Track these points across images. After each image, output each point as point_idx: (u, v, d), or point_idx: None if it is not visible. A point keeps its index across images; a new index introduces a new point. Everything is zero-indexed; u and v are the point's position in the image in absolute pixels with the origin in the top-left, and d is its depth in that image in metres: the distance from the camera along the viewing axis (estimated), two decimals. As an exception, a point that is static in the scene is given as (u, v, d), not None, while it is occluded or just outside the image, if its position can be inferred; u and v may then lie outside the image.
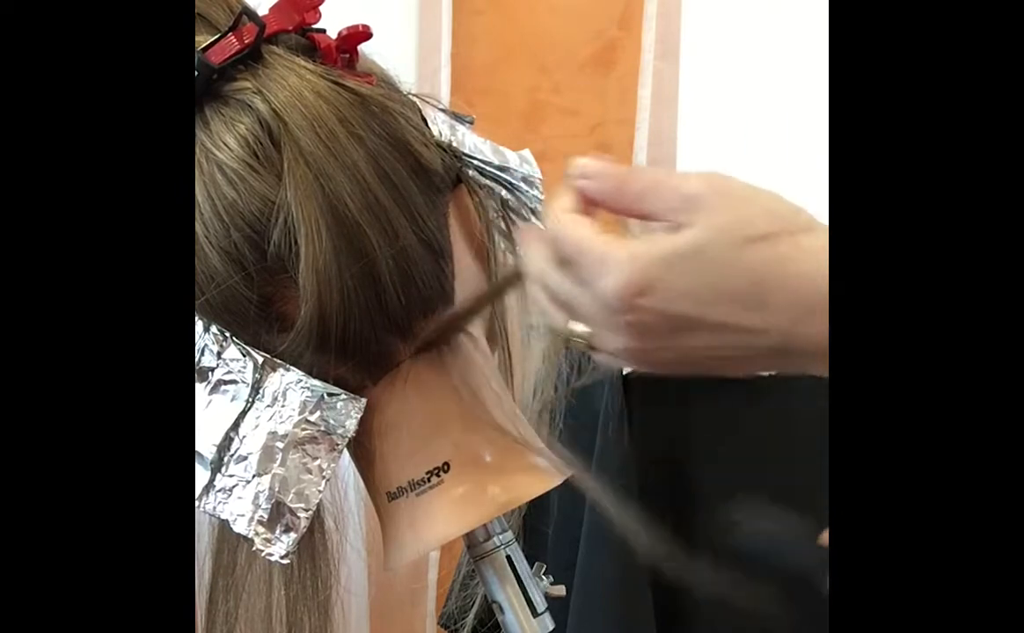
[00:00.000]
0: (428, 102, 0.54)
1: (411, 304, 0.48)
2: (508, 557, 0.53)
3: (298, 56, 0.48)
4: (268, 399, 0.48)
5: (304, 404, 0.48)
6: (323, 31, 0.50)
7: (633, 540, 0.55)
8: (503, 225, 0.57)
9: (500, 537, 0.54)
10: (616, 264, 0.40)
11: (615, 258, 0.40)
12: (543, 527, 1.17)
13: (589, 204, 0.44)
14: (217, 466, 0.48)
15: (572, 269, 0.43)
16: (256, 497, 0.48)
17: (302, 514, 0.48)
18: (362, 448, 0.52)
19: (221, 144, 0.46)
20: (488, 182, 0.55)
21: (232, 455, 0.48)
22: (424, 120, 0.51)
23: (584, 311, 0.43)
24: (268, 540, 0.48)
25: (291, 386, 0.48)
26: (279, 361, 0.48)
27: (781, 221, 0.40)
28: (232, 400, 0.48)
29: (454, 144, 0.52)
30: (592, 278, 0.41)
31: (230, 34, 0.47)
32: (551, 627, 0.54)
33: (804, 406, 1.17)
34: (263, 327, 0.48)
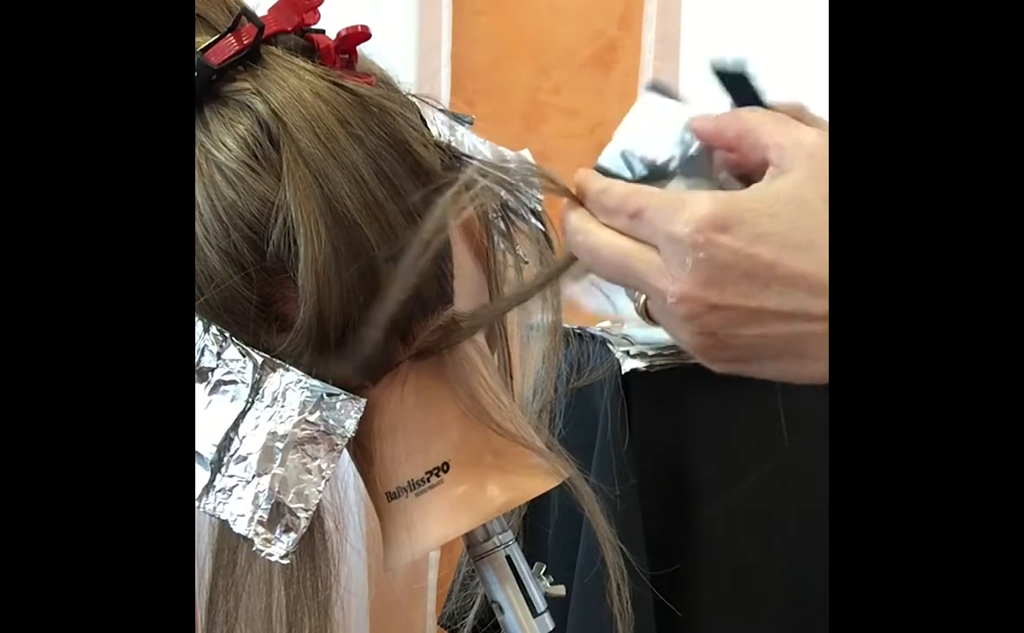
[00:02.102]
0: (427, 102, 0.54)
1: (410, 304, 0.48)
2: (508, 557, 0.53)
3: (297, 57, 0.48)
4: (268, 399, 0.48)
5: (304, 404, 0.48)
6: (322, 32, 0.50)
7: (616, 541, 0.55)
8: (502, 225, 0.57)
9: (500, 537, 0.54)
10: (697, 200, 0.39)
11: (695, 197, 0.39)
12: (543, 527, 1.18)
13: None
14: (217, 466, 0.48)
15: (637, 220, 0.41)
16: (256, 497, 0.48)
17: (302, 514, 0.48)
18: (362, 448, 0.52)
19: (220, 145, 0.46)
20: (487, 182, 0.55)
21: (232, 455, 0.48)
22: (423, 120, 0.51)
23: (643, 260, 0.41)
24: (268, 540, 0.48)
25: (291, 386, 0.48)
26: (279, 361, 0.48)
27: None
28: (232, 400, 0.48)
29: (453, 144, 0.52)
30: (665, 220, 0.40)
31: (229, 35, 0.47)
32: (551, 627, 0.54)
33: (804, 405, 1.17)
34: (263, 327, 0.48)
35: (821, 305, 0.38)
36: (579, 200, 0.46)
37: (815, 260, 0.38)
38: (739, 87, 0.51)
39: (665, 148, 0.48)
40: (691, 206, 0.39)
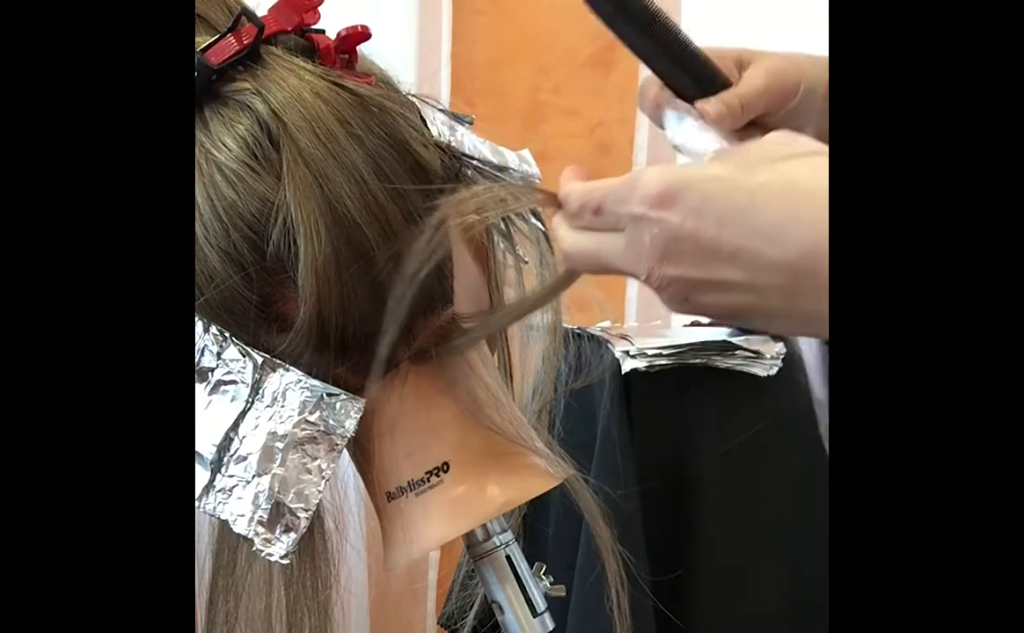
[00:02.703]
0: (427, 102, 0.54)
1: (410, 304, 0.48)
2: (508, 557, 0.53)
3: (297, 57, 0.48)
4: (268, 399, 0.48)
5: (304, 404, 0.48)
6: (322, 32, 0.50)
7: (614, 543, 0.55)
8: (502, 225, 0.57)
9: (500, 537, 0.54)
10: (646, 177, 0.41)
11: (645, 174, 0.41)
12: (543, 527, 1.18)
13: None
14: (217, 466, 0.48)
15: (600, 215, 0.43)
16: (256, 497, 0.48)
17: (302, 514, 0.48)
18: (361, 448, 0.52)
19: (220, 145, 0.46)
20: (487, 182, 0.55)
21: (232, 455, 0.48)
22: (423, 120, 0.51)
23: (611, 248, 0.43)
24: (268, 540, 0.48)
25: (291, 386, 0.48)
26: (279, 361, 0.48)
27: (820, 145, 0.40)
28: (232, 400, 0.48)
29: (453, 144, 0.52)
30: (623, 198, 0.42)
31: (229, 35, 0.47)
32: (551, 627, 0.54)
33: (804, 404, 1.17)
34: (263, 327, 0.48)
35: (763, 278, 0.39)
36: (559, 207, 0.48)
37: (748, 232, 0.39)
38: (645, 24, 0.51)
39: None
40: (641, 185, 0.41)
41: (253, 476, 0.48)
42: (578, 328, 1.22)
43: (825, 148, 0.39)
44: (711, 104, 0.54)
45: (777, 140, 0.42)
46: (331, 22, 0.51)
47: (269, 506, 0.48)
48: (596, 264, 0.45)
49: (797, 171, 0.39)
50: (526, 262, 0.57)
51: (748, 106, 0.54)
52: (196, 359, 0.48)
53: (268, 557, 0.48)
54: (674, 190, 0.40)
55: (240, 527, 0.48)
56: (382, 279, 0.47)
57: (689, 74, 0.55)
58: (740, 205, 0.39)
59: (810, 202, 0.38)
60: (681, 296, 0.42)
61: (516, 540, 0.55)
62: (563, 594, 0.57)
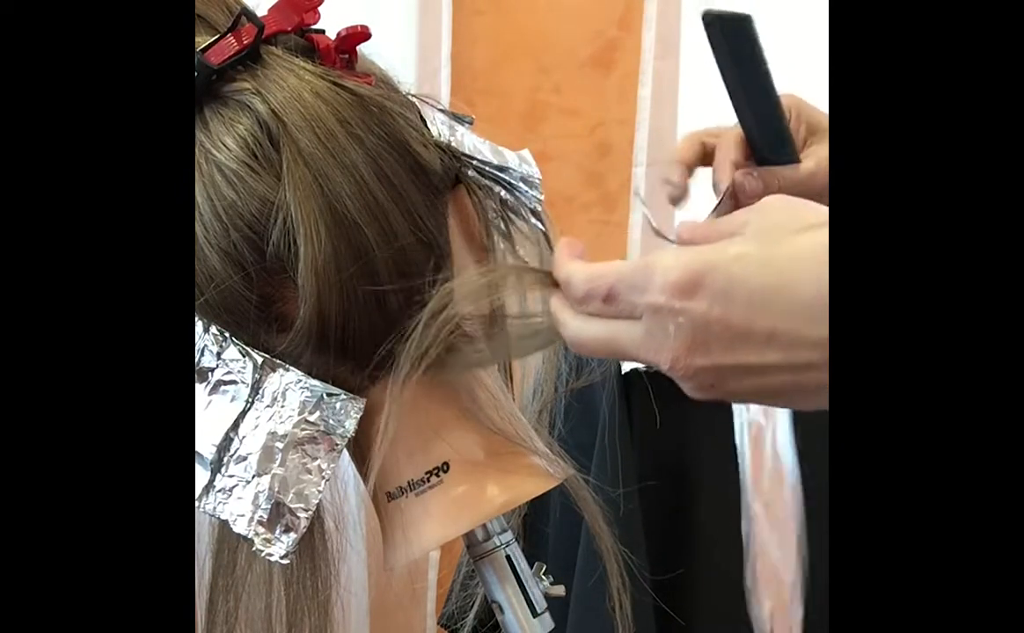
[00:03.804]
0: (427, 102, 0.54)
1: (410, 304, 0.48)
2: (508, 557, 0.53)
3: (297, 57, 0.48)
4: (268, 399, 0.48)
5: (304, 404, 0.48)
6: (322, 32, 0.50)
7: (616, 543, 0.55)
8: (502, 225, 0.57)
9: (500, 537, 0.54)
10: (664, 263, 0.39)
11: (662, 261, 0.39)
12: (543, 527, 1.17)
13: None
14: (217, 466, 0.48)
15: (611, 303, 0.42)
16: (256, 497, 0.48)
17: (302, 514, 0.48)
18: (361, 448, 0.52)
19: (220, 145, 0.46)
20: (487, 182, 0.55)
21: (232, 455, 0.48)
22: (423, 120, 0.51)
23: (628, 337, 0.41)
24: (268, 540, 0.48)
25: (291, 386, 0.48)
26: (279, 361, 0.48)
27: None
28: (232, 400, 0.48)
29: (453, 144, 0.52)
30: (640, 287, 0.40)
31: (229, 35, 0.47)
32: (551, 627, 0.54)
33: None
34: (262, 327, 0.48)
35: (802, 355, 0.37)
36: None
37: (784, 312, 0.37)
38: (736, 39, 0.50)
39: None
40: (660, 272, 0.39)
41: (253, 476, 0.48)
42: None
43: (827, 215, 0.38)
44: (747, 177, 0.53)
45: (781, 207, 0.40)
46: (331, 22, 0.51)
47: (269, 506, 0.48)
48: (610, 352, 0.43)
49: (820, 243, 0.37)
50: (527, 262, 0.57)
51: (784, 190, 0.54)
52: (196, 359, 0.48)
53: (268, 557, 0.48)
54: (698, 276, 0.38)
55: (240, 527, 0.48)
56: (382, 279, 0.47)
57: (768, 133, 0.55)
58: (771, 285, 0.37)
59: None
60: (709, 383, 0.40)
61: (516, 540, 0.55)
62: (563, 594, 0.57)
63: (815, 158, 0.56)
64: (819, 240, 0.37)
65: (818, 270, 0.37)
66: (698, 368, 0.39)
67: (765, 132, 0.56)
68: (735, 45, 0.51)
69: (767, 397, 0.40)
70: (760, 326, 0.38)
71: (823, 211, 0.39)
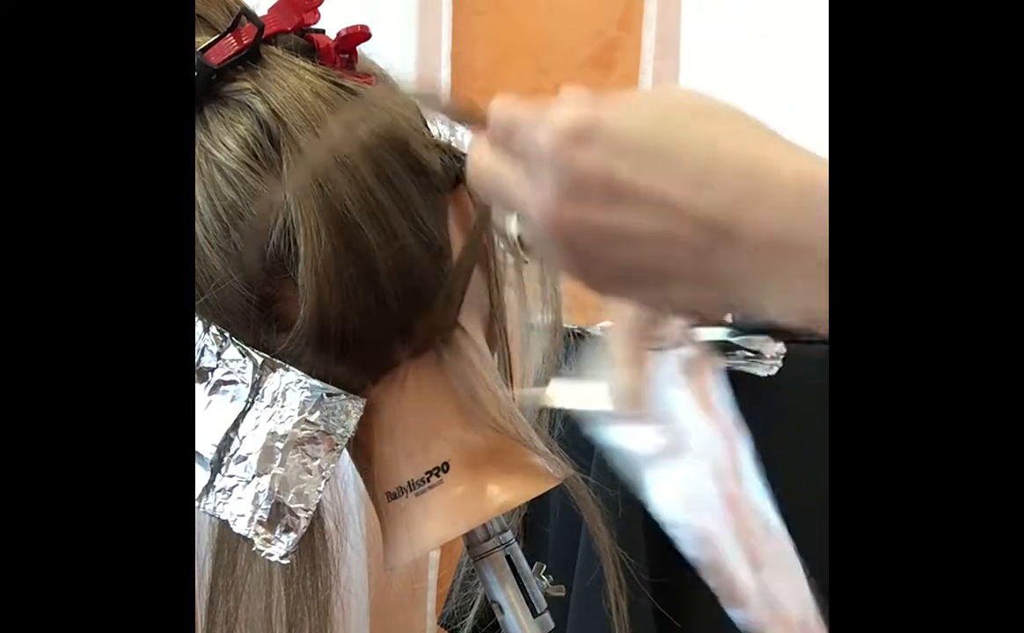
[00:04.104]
0: (428, 102, 0.54)
1: (410, 304, 0.48)
2: (508, 557, 0.53)
3: (297, 57, 0.48)
4: (268, 399, 0.48)
5: (304, 404, 0.48)
6: (322, 32, 0.50)
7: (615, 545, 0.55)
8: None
9: (500, 537, 0.54)
10: (559, 107, 0.37)
11: (559, 104, 0.37)
12: (543, 527, 1.17)
13: None
14: (217, 466, 0.48)
15: (510, 139, 0.39)
16: (256, 497, 0.48)
17: (302, 514, 0.48)
18: (361, 448, 0.52)
19: (220, 145, 0.46)
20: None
21: (232, 455, 0.48)
22: (424, 121, 0.51)
23: (509, 176, 0.39)
24: (268, 540, 0.48)
25: (291, 386, 0.48)
26: (279, 361, 0.48)
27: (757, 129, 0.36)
28: (232, 400, 0.48)
29: (453, 144, 0.52)
30: (533, 126, 0.38)
31: (229, 35, 0.47)
32: (551, 627, 0.54)
33: (803, 405, 1.17)
34: (263, 327, 0.48)
35: (682, 229, 0.35)
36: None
37: (669, 173, 0.35)
38: None
39: None
40: (554, 115, 0.37)
41: (253, 476, 0.48)
42: (578, 328, 1.22)
43: (740, 110, 0.36)
44: None
45: (685, 92, 0.38)
46: (331, 22, 0.51)
47: (269, 506, 0.48)
48: (495, 189, 0.41)
49: (720, 129, 0.36)
50: (527, 261, 0.57)
51: None
52: (196, 359, 0.48)
53: (268, 557, 0.48)
54: (588, 124, 0.36)
55: (240, 527, 0.48)
56: (382, 279, 0.47)
57: None
58: (663, 146, 0.35)
59: (734, 163, 0.35)
60: (577, 244, 0.37)
61: (516, 540, 0.55)
62: (563, 594, 0.57)
63: None
64: (713, 127, 0.36)
65: (710, 146, 0.35)
66: (568, 220, 0.37)
67: None
68: None
69: (632, 274, 0.38)
70: (642, 184, 0.35)
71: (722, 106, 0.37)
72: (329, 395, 0.48)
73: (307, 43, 0.50)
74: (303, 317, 0.46)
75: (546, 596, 0.55)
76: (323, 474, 0.48)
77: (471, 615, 0.67)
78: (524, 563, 0.54)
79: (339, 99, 0.47)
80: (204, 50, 0.47)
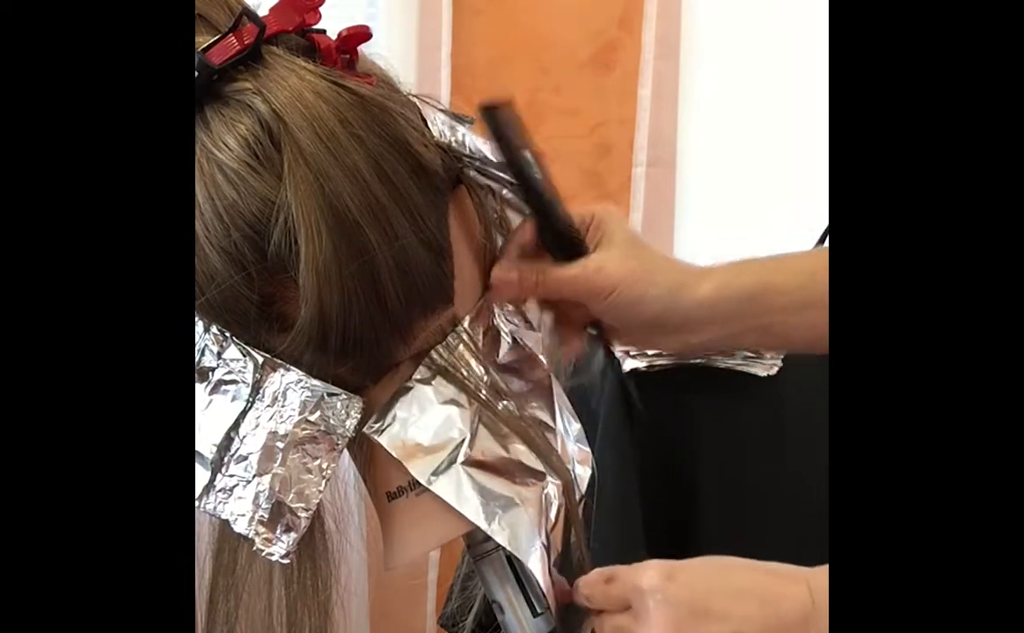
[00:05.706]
0: (428, 102, 0.54)
1: (411, 304, 0.48)
2: (508, 557, 0.53)
3: (298, 57, 0.48)
4: (268, 399, 0.48)
5: (304, 404, 0.48)
6: (323, 32, 0.50)
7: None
8: (502, 225, 0.57)
9: (500, 537, 0.54)
10: (646, 565, 0.53)
11: (644, 564, 0.53)
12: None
13: None
14: (217, 466, 0.48)
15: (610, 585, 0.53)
16: (256, 497, 0.48)
17: (302, 514, 0.48)
18: (362, 448, 0.52)
19: (221, 144, 0.46)
20: (488, 182, 0.55)
21: (232, 455, 0.48)
22: (424, 120, 0.51)
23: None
24: (268, 540, 0.48)
25: (291, 386, 0.48)
26: (279, 361, 0.48)
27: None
28: (232, 400, 0.48)
29: (454, 144, 0.52)
30: (631, 582, 0.52)
31: (230, 35, 0.47)
32: (551, 627, 0.54)
33: (803, 405, 1.17)
34: (263, 327, 0.48)
35: (745, 626, 0.51)
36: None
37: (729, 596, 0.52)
38: (499, 127, 0.52)
39: None
40: (647, 567, 0.52)
41: (254, 476, 0.48)
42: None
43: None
44: (502, 268, 0.54)
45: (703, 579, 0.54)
46: (332, 22, 0.51)
47: (270, 506, 0.48)
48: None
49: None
50: None
51: (545, 287, 0.55)
52: (196, 359, 0.48)
53: (268, 557, 0.48)
54: (672, 570, 0.52)
55: (240, 527, 0.48)
56: (383, 279, 0.47)
57: (551, 231, 0.55)
58: (716, 586, 0.54)
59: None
60: None
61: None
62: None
63: (600, 260, 0.55)
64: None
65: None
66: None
67: (541, 224, 0.56)
68: (500, 134, 0.53)
69: None
70: (718, 607, 0.52)
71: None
72: (330, 395, 0.48)
73: (308, 43, 0.50)
74: (304, 317, 0.46)
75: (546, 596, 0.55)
76: (323, 474, 0.48)
77: (471, 615, 0.67)
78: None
79: (340, 99, 0.47)
80: (205, 50, 0.47)
